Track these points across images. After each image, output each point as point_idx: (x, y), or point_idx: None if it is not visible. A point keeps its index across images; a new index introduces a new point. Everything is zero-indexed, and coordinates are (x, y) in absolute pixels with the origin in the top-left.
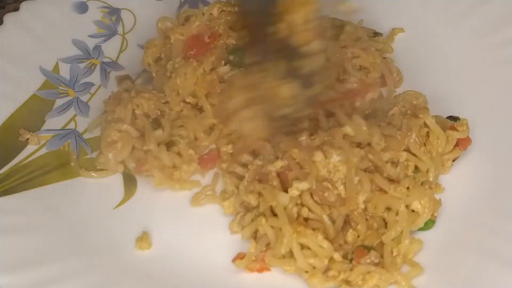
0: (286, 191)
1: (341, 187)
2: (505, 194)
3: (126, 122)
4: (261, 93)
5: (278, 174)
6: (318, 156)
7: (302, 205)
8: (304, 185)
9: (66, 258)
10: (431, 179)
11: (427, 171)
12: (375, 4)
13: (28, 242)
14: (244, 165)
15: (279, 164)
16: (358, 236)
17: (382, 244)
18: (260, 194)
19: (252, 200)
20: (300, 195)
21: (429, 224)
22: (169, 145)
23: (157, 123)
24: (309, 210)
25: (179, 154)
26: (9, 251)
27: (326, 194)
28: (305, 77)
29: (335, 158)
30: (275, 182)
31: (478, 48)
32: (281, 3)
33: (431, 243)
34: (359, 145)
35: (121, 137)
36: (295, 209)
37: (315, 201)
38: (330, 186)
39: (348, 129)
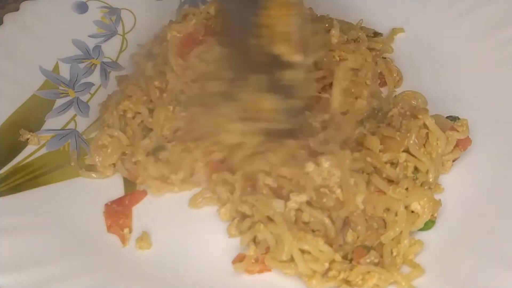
0: (281, 194)
1: (338, 191)
2: (506, 194)
3: (117, 128)
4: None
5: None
6: (310, 167)
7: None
8: (302, 198)
9: (66, 258)
10: (431, 180)
11: (427, 172)
12: (375, 4)
13: (28, 242)
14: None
15: (268, 180)
16: (358, 237)
17: (382, 244)
18: (253, 205)
19: (247, 210)
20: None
21: (429, 224)
22: (158, 149)
23: (147, 129)
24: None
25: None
26: (9, 251)
27: (324, 200)
28: (286, 89)
29: (325, 164)
30: (265, 191)
31: (478, 48)
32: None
33: (431, 243)
34: (358, 146)
35: (112, 142)
36: (292, 212)
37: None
38: (327, 191)
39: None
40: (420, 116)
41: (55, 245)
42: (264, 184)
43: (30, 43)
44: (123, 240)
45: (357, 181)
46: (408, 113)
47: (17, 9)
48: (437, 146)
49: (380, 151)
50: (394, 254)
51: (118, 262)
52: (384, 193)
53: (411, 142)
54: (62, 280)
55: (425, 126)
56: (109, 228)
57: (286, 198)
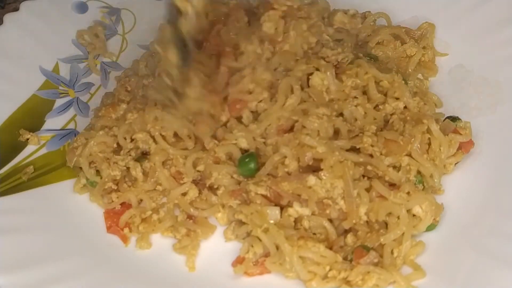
0: (278, 202)
1: (342, 202)
2: (507, 194)
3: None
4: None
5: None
6: (312, 180)
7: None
8: (305, 211)
9: (66, 258)
10: (436, 184)
11: (431, 176)
12: (376, 3)
13: (28, 242)
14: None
15: (260, 190)
16: (358, 239)
17: (382, 245)
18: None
19: (243, 218)
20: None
21: (431, 226)
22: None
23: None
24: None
25: (147, 171)
26: (9, 251)
27: (328, 212)
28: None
29: (325, 177)
30: (259, 200)
31: (478, 48)
32: None
33: (433, 244)
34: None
35: (83, 145)
36: (292, 218)
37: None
38: (330, 202)
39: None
40: (425, 121)
41: (55, 245)
42: (257, 194)
43: (30, 43)
44: (124, 240)
45: (360, 193)
46: (408, 118)
47: (17, 9)
48: (440, 152)
49: (381, 154)
50: (395, 255)
51: (118, 262)
52: (386, 198)
53: (414, 147)
54: (62, 280)
55: (428, 131)
56: (109, 229)
57: (285, 205)
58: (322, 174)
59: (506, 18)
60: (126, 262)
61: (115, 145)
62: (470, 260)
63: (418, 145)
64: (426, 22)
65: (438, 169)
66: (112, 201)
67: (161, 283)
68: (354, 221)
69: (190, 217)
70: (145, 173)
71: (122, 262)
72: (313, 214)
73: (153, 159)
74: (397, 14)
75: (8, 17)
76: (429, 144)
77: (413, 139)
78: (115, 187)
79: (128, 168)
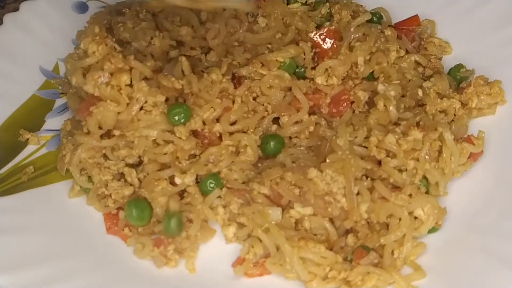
0: (279, 202)
1: (343, 200)
2: (507, 194)
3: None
4: None
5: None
6: (312, 172)
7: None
8: (306, 211)
9: (66, 258)
10: (440, 193)
11: (436, 184)
12: (377, 4)
13: (28, 242)
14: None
15: (263, 189)
16: (359, 240)
17: (383, 245)
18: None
19: (245, 221)
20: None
21: (433, 229)
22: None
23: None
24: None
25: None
26: (9, 251)
27: (329, 209)
28: None
29: (328, 171)
30: (261, 199)
31: (478, 48)
32: None
33: (434, 245)
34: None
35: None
36: (293, 219)
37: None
38: (332, 200)
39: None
40: (440, 129)
41: (55, 245)
42: (259, 193)
43: (30, 43)
44: (125, 239)
45: (360, 190)
46: (421, 123)
47: (17, 9)
48: (450, 162)
49: (387, 156)
50: (396, 256)
51: (118, 263)
52: (387, 200)
53: (422, 155)
54: (62, 280)
55: (441, 138)
56: (109, 230)
57: (285, 206)
58: (324, 166)
59: (506, 18)
60: (126, 263)
61: (103, 151)
62: (471, 260)
63: (427, 152)
64: (426, 19)
65: (446, 178)
66: (108, 206)
67: (161, 283)
68: (355, 220)
69: (190, 220)
70: (140, 179)
71: (122, 263)
72: (315, 214)
73: (146, 169)
74: (397, 15)
75: (8, 17)
76: (440, 151)
77: (421, 146)
78: (109, 193)
79: (121, 173)
